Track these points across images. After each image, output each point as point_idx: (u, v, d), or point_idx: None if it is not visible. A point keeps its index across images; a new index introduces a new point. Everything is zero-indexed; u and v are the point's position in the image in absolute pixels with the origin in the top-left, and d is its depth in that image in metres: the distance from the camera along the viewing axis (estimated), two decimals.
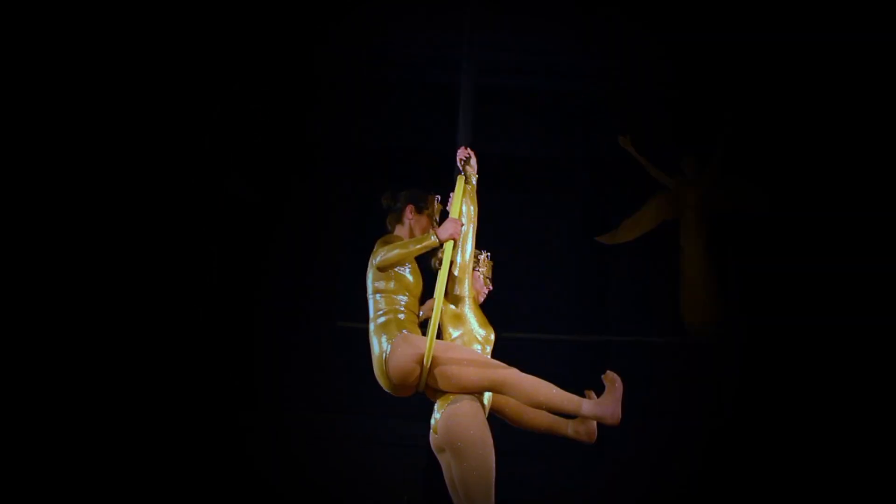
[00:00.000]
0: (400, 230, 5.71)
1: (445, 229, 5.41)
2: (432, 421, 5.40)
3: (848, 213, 9.78)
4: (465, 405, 5.27)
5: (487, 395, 5.50)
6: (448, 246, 5.41)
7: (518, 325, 10.20)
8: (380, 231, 5.89)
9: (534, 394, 5.32)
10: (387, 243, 5.57)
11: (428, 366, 5.32)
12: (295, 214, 10.57)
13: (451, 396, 5.33)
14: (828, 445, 9.60)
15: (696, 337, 10.44)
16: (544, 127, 10.84)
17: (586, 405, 5.35)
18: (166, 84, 9.85)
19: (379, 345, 5.41)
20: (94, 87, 9.62)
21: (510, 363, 5.54)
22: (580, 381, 10.31)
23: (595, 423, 5.60)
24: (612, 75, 10.50)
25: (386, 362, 5.37)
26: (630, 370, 10.45)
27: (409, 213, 5.71)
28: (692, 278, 10.50)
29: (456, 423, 5.24)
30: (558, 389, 5.39)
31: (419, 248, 5.43)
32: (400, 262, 5.47)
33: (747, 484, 9.83)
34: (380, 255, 5.48)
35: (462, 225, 5.44)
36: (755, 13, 9.82)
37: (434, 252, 5.69)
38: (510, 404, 5.58)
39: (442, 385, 5.36)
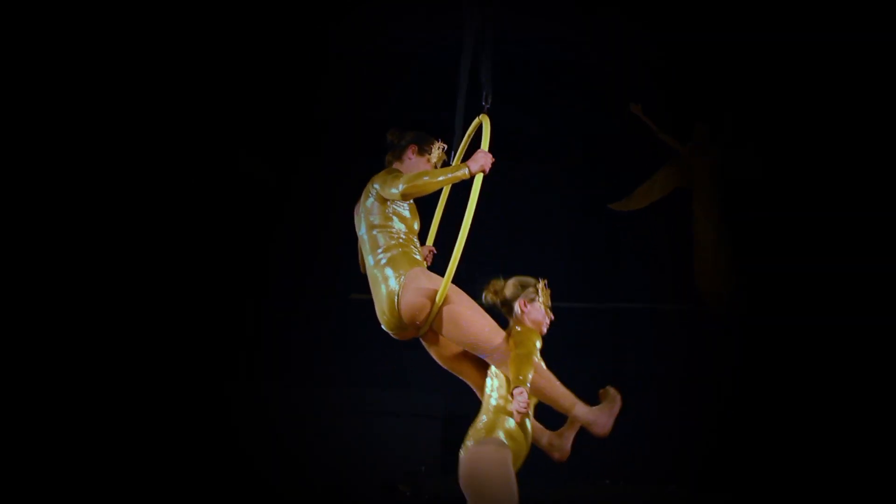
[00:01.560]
0: (398, 167, 5.53)
1: (476, 161, 5.22)
2: (461, 453, 5.20)
3: (850, 212, 9.83)
4: (492, 449, 5.06)
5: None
6: (477, 179, 5.19)
7: None
8: None
9: (534, 376, 5.16)
10: (391, 174, 5.38)
11: (440, 304, 5.16)
12: (303, 191, 10.60)
13: (479, 432, 5.14)
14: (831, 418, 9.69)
15: (710, 304, 10.46)
16: (551, 97, 10.84)
17: (580, 407, 5.16)
18: (178, 64, 9.87)
19: (385, 281, 5.23)
20: (105, 69, 9.65)
21: None
22: (591, 349, 10.39)
23: (569, 443, 5.37)
24: (617, 46, 10.49)
25: (398, 297, 5.19)
26: (643, 337, 10.58)
27: (410, 153, 5.54)
28: (705, 245, 10.52)
29: (479, 466, 5.03)
30: (559, 383, 5.22)
31: (450, 177, 5.23)
32: (426, 191, 5.25)
33: (751, 461, 9.91)
34: (402, 183, 5.24)
35: (493, 160, 5.23)
36: (765, 6, 9.81)
37: (486, 284, 5.47)
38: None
39: (446, 329, 5.20)
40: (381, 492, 10.40)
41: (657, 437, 10.27)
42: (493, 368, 5.28)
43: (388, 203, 5.37)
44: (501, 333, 5.24)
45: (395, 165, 5.56)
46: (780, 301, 10.04)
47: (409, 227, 5.41)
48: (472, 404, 5.45)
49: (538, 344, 5.23)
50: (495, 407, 5.21)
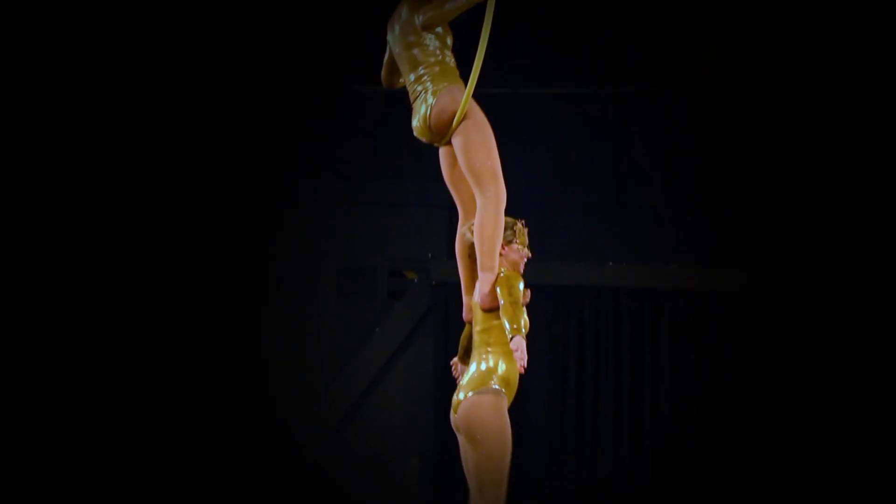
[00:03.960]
0: None
1: None
2: (454, 399, 5.32)
3: None
4: (490, 398, 5.21)
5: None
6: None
7: (533, 80, 10.22)
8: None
9: (486, 222, 5.30)
10: None
11: (460, 118, 5.33)
12: None
13: (476, 381, 5.26)
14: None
15: (706, 83, 10.41)
16: None
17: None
18: None
19: (424, 94, 5.43)
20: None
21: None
22: (593, 138, 10.41)
23: None
24: None
25: (431, 108, 5.39)
26: (640, 121, 10.57)
27: None
28: (705, 29, 10.40)
29: (477, 414, 5.18)
30: (498, 245, 5.34)
31: (466, 2, 5.34)
32: (446, 20, 5.43)
33: None
34: (425, 14, 5.41)
35: None
36: None
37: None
38: None
39: (456, 145, 5.38)
40: (388, 279, 10.61)
41: (659, 218, 10.41)
42: (478, 315, 5.35)
43: None
44: (498, 180, 5.34)
45: None
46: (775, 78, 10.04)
47: (444, 42, 5.51)
48: None
49: (521, 287, 5.30)
50: (488, 352, 5.32)
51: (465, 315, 5.52)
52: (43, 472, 9.27)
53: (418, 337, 10.08)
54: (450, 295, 9.62)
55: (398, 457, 9.96)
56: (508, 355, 5.25)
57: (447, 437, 9.48)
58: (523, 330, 5.14)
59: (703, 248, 10.31)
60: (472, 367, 5.30)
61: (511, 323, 5.15)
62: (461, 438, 5.31)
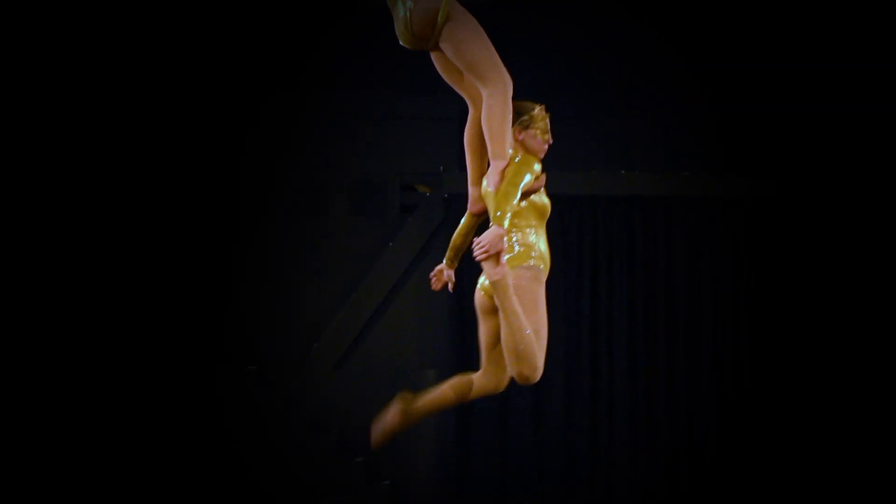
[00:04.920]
0: None
1: None
2: (481, 281, 5.26)
3: None
4: (531, 272, 5.15)
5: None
6: None
7: None
8: None
9: (493, 110, 5.14)
10: None
11: (442, 22, 5.18)
12: None
13: (513, 258, 5.13)
14: None
15: None
16: None
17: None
18: None
19: (404, 2, 5.27)
20: None
21: None
22: (592, 47, 10.26)
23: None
24: None
25: (411, 13, 5.24)
26: (650, 27, 10.44)
27: None
28: None
29: (519, 283, 5.04)
30: (507, 131, 5.19)
31: None
32: None
33: None
34: None
35: None
36: None
37: None
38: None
39: (445, 48, 5.23)
40: (400, 192, 10.58)
41: (667, 128, 10.35)
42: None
43: None
44: (499, 67, 5.18)
45: None
46: None
47: None
48: None
49: (537, 168, 5.17)
50: (524, 232, 5.24)
51: (470, 207, 5.42)
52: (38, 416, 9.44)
53: (431, 250, 10.07)
54: (462, 207, 9.56)
55: (414, 369, 10.01)
56: (541, 234, 5.21)
57: (463, 349, 9.64)
58: (506, 221, 4.93)
59: (716, 154, 10.26)
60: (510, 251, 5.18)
61: (496, 208, 4.98)
62: (490, 321, 5.22)
